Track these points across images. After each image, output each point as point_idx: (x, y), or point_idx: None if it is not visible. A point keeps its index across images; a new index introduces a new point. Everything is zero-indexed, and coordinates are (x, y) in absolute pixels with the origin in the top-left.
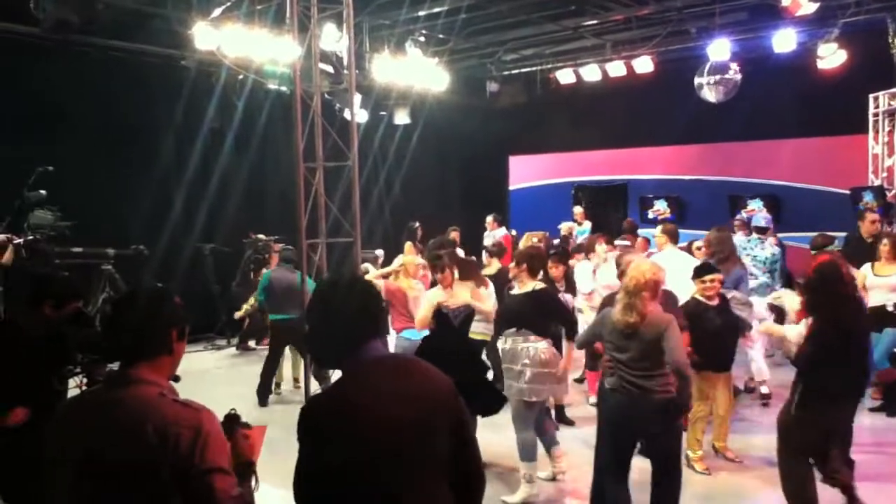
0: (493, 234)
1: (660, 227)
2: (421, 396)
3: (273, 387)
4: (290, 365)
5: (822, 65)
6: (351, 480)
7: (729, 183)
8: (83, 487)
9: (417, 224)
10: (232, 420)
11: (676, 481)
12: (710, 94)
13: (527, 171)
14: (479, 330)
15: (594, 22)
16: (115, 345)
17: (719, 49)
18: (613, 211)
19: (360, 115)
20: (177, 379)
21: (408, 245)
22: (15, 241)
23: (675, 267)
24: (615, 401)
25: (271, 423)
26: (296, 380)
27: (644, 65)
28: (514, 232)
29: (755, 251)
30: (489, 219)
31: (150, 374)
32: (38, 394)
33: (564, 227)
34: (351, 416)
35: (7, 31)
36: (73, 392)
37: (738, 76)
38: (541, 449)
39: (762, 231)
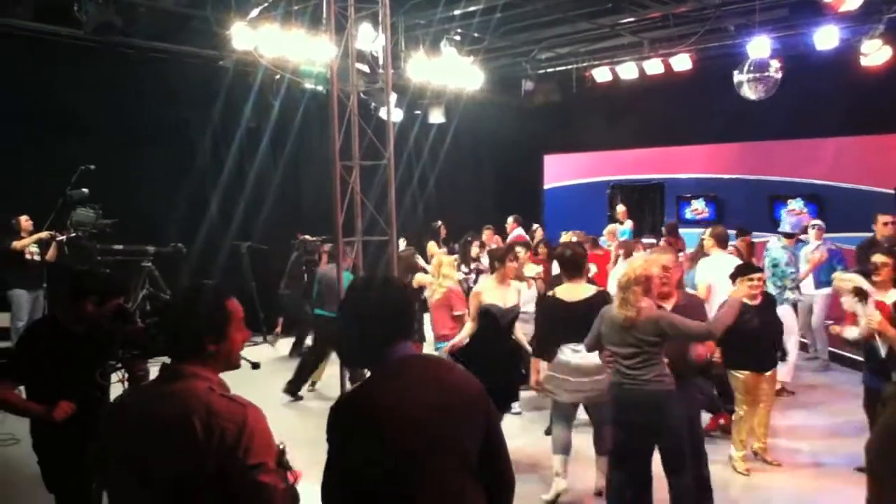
0: (511, 235)
1: (708, 231)
2: (447, 398)
3: (309, 384)
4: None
5: (865, 62)
6: (374, 481)
7: (769, 182)
8: (131, 480)
9: (440, 223)
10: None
11: (685, 481)
12: (749, 92)
13: (561, 170)
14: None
15: (631, 20)
16: (166, 340)
17: (759, 46)
18: (650, 210)
19: (394, 115)
20: (256, 366)
21: (431, 244)
22: (58, 239)
23: (724, 270)
24: (614, 394)
25: (309, 416)
26: (313, 383)
27: (682, 62)
28: (539, 233)
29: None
30: (510, 220)
31: (200, 369)
32: (81, 389)
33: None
34: (375, 417)
35: (51, 33)
36: (115, 387)
37: (779, 74)
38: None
39: (789, 237)
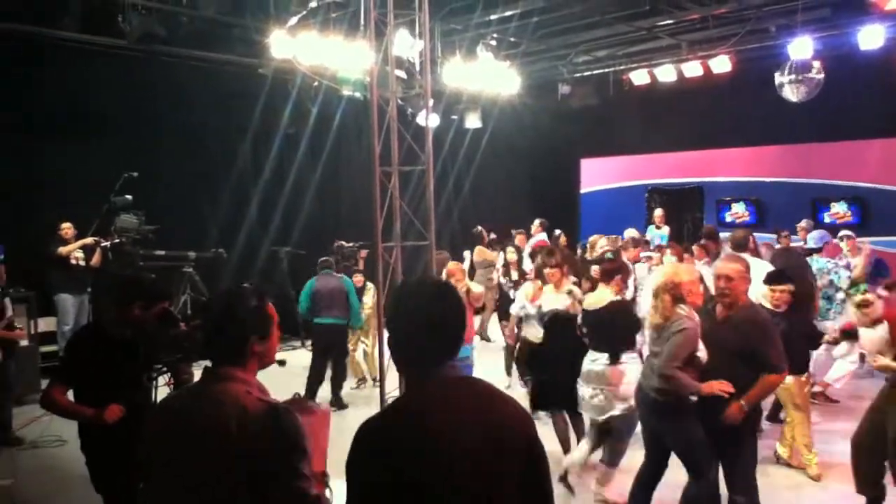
0: (532, 240)
1: (728, 236)
2: (490, 426)
3: (356, 382)
4: (369, 360)
5: None
6: None
7: (812, 185)
8: (175, 483)
9: (480, 228)
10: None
11: (692, 487)
12: (791, 94)
13: (598, 174)
14: (531, 335)
15: (669, 22)
16: (205, 347)
17: (801, 47)
18: (689, 214)
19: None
20: (282, 363)
21: (478, 248)
22: (102, 244)
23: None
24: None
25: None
26: (362, 379)
27: (721, 64)
28: (562, 239)
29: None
30: (536, 223)
31: (239, 372)
32: (128, 391)
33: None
34: (409, 441)
35: (97, 43)
36: (162, 390)
37: (821, 75)
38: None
39: (815, 251)
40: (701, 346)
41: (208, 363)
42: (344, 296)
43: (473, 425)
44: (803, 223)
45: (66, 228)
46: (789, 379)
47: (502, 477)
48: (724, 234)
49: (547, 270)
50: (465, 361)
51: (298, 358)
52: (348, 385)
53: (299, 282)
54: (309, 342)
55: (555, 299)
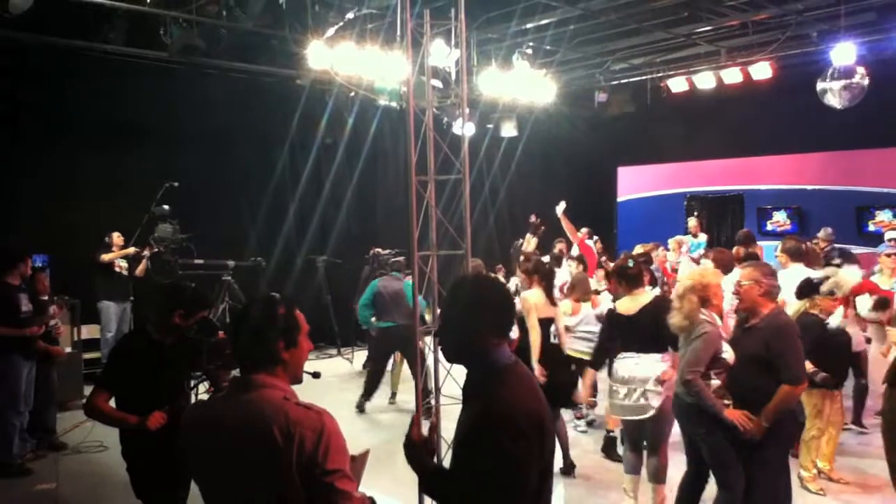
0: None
1: (779, 245)
2: (543, 407)
3: (389, 396)
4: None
5: None
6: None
7: (855, 193)
8: (213, 489)
9: (521, 241)
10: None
11: (719, 499)
12: (834, 100)
13: (636, 182)
14: (575, 348)
15: (708, 28)
16: (237, 351)
17: (844, 53)
18: (729, 222)
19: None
20: (317, 375)
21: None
22: (143, 254)
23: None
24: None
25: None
26: (393, 395)
27: (762, 71)
28: (598, 245)
29: None
30: (583, 231)
31: (272, 379)
32: (172, 399)
33: (672, 243)
34: (536, 420)
35: (139, 56)
36: (202, 398)
37: (866, 80)
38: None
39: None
40: (727, 347)
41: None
42: (405, 297)
43: (535, 409)
44: (822, 233)
45: (116, 237)
46: (819, 392)
47: (546, 459)
48: (767, 243)
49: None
50: None
51: (334, 367)
52: (380, 398)
53: (336, 290)
54: (346, 351)
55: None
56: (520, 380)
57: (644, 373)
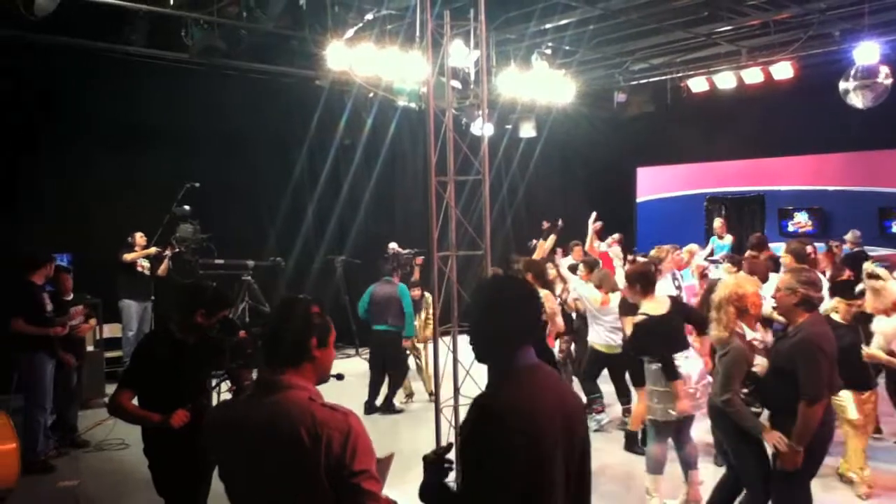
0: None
1: (784, 247)
2: (567, 409)
3: (405, 397)
4: (423, 375)
5: None
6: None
7: (878, 193)
8: (240, 490)
9: (535, 242)
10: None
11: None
12: (857, 100)
13: (655, 183)
14: (602, 342)
15: (728, 28)
16: (264, 352)
17: (867, 52)
18: (749, 223)
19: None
20: (340, 377)
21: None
22: (164, 254)
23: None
24: None
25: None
26: (409, 395)
27: (783, 70)
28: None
29: None
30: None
31: (298, 380)
32: (194, 397)
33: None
34: (528, 420)
35: (160, 57)
36: (224, 396)
37: (889, 80)
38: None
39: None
40: (758, 359)
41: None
42: (398, 303)
43: (555, 412)
44: (849, 235)
45: (139, 237)
46: (844, 394)
47: (574, 462)
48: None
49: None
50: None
51: (353, 366)
52: (397, 399)
53: (354, 290)
54: (364, 350)
55: None
56: (533, 382)
57: (689, 370)
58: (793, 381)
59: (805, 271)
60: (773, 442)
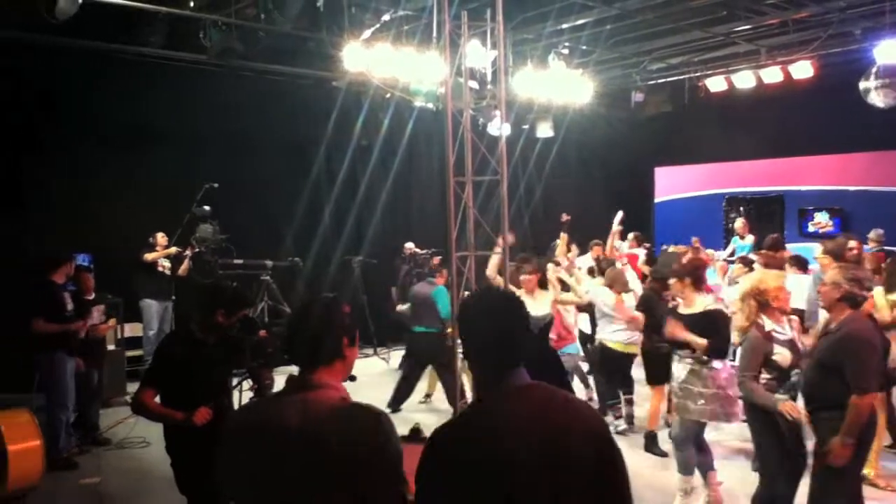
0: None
1: (820, 248)
2: (548, 434)
3: (424, 396)
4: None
5: None
6: None
7: None
8: (263, 489)
9: (558, 241)
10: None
11: (757, 489)
12: (878, 100)
13: (673, 183)
14: (618, 339)
15: (747, 27)
16: (295, 351)
17: (889, 50)
18: (768, 224)
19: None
20: (353, 378)
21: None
22: (185, 254)
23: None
24: None
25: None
26: (427, 395)
27: (803, 70)
28: (626, 249)
29: None
30: (630, 237)
31: (329, 379)
32: (216, 395)
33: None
34: (473, 448)
35: (178, 58)
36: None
37: None
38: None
39: None
40: (778, 348)
41: (292, 370)
42: (434, 305)
43: (529, 434)
44: (872, 234)
45: (160, 238)
46: None
47: (565, 484)
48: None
49: (523, 277)
50: (571, 359)
51: (371, 366)
52: (416, 399)
53: (371, 290)
54: (382, 350)
55: (532, 306)
56: (493, 409)
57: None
58: (836, 376)
59: (853, 268)
60: (785, 412)
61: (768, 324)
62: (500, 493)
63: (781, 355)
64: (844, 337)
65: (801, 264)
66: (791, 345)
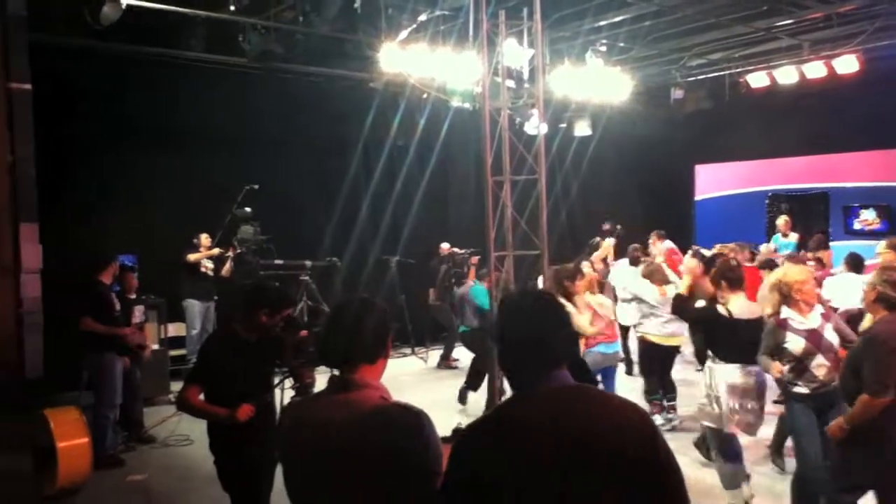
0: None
1: (883, 243)
2: (571, 437)
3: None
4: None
5: None
6: None
7: None
8: (310, 487)
9: (598, 239)
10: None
11: (797, 470)
12: None
13: (714, 181)
14: (662, 332)
15: (789, 22)
16: (331, 350)
17: None
18: (813, 221)
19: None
20: None
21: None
22: (227, 255)
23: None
24: None
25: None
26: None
27: (847, 64)
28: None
29: None
30: (652, 235)
31: (371, 378)
32: (259, 393)
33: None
34: (492, 451)
35: (220, 62)
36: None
37: None
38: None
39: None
40: (790, 337)
41: (334, 370)
42: (472, 303)
43: (546, 437)
44: None
45: (204, 238)
46: None
47: (587, 486)
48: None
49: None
50: (612, 358)
51: (408, 365)
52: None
53: (408, 290)
54: (420, 350)
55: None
56: (517, 412)
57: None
58: (857, 372)
59: (891, 269)
60: (773, 373)
61: (787, 313)
62: (512, 492)
63: (794, 343)
64: (868, 338)
65: (856, 264)
66: (810, 335)
